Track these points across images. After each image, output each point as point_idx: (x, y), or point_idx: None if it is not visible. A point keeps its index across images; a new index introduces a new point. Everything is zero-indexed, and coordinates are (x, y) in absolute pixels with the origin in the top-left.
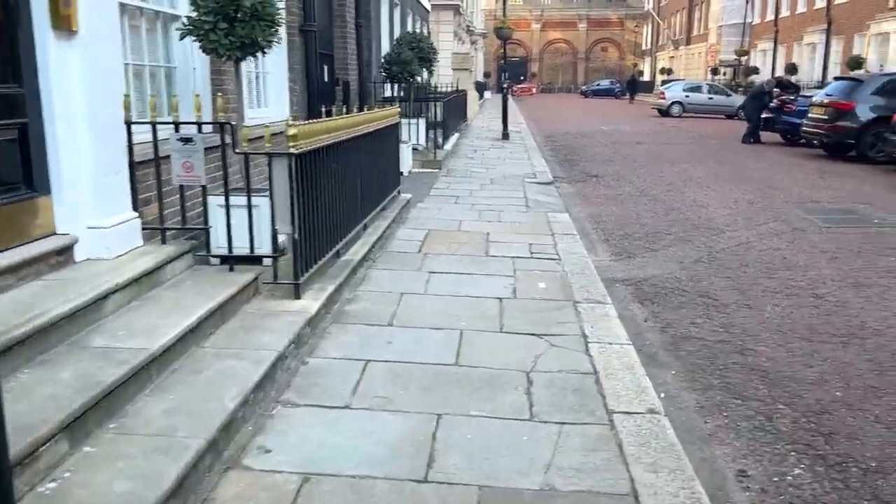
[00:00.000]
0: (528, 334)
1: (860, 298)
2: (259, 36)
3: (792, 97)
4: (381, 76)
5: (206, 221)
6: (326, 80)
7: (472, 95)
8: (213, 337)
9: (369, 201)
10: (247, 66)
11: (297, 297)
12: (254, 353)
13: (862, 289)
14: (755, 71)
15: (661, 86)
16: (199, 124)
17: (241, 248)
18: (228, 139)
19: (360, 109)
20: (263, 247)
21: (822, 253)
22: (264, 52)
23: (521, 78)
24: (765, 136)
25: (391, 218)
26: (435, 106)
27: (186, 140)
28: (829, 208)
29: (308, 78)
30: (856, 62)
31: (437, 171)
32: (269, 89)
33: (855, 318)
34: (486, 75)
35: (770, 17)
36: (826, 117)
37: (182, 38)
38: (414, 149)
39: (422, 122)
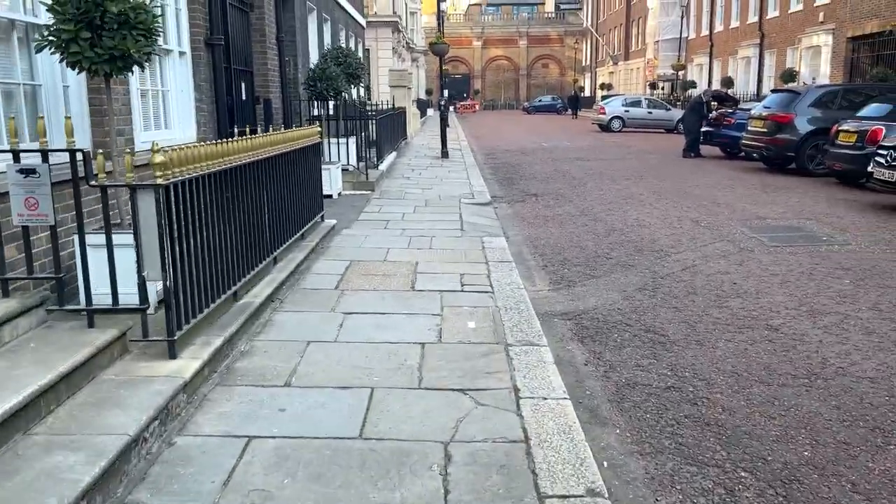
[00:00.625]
0: (452, 390)
1: (818, 329)
2: (131, 48)
3: (730, 110)
4: (304, 93)
5: (57, 269)
6: (245, 98)
7: (413, 113)
8: (51, 418)
9: (281, 231)
10: (140, 83)
11: (172, 356)
12: (97, 439)
13: (818, 318)
14: (692, 85)
15: (602, 101)
16: (45, 152)
17: (103, 298)
18: (109, 168)
19: (287, 128)
20: (131, 296)
21: (772, 276)
22: (142, 67)
23: (464, 95)
24: (704, 149)
25: (310, 248)
26: (370, 124)
27: (28, 172)
28: (775, 225)
29: (217, 96)
30: (789, 75)
31: (369, 192)
32: (172, 109)
33: (815, 353)
34: (429, 92)
35: (705, 32)
36: (765, 130)
37: (38, 50)
38: (344, 170)
39: (352, 141)
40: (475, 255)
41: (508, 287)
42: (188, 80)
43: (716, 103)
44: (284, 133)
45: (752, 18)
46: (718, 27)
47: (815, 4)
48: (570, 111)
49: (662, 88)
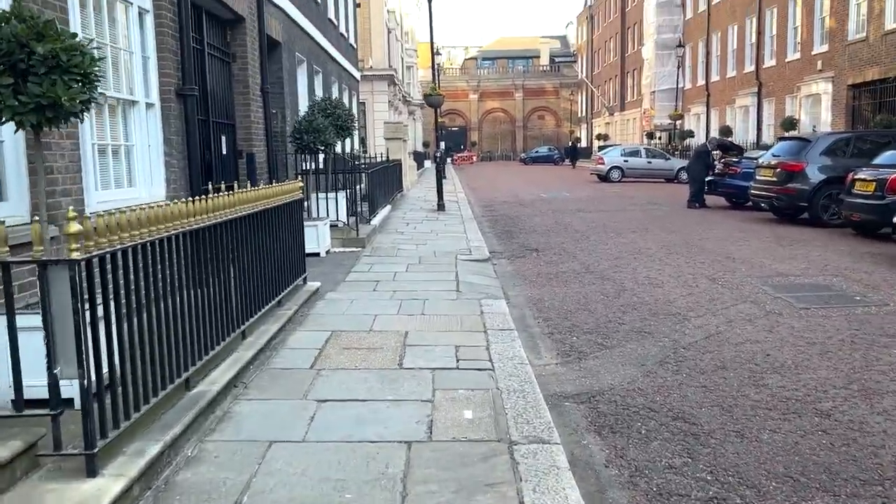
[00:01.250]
0: None
1: (878, 415)
2: (62, 95)
3: (735, 159)
4: (291, 146)
5: None
6: (226, 152)
7: (409, 165)
8: None
9: (253, 301)
10: (98, 137)
11: (92, 473)
12: None
13: (875, 399)
14: (690, 134)
15: (599, 151)
16: None
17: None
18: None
19: (270, 183)
20: (48, 396)
21: (809, 345)
22: (80, 118)
23: (461, 146)
24: (709, 199)
25: (286, 317)
26: (361, 178)
27: None
28: (800, 283)
29: (190, 150)
30: (790, 123)
31: (359, 249)
32: (137, 165)
33: (882, 448)
34: (426, 145)
35: (701, 81)
36: (775, 179)
37: None
38: (333, 226)
39: (342, 196)
40: (473, 322)
41: (511, 362)
42: (157, 134)
43: (719, 152)
44: (258, 190)
45: (749, 68)
46: (715, 77)
47: (812, 53)
48: (567, 161)
49: (660, 138)
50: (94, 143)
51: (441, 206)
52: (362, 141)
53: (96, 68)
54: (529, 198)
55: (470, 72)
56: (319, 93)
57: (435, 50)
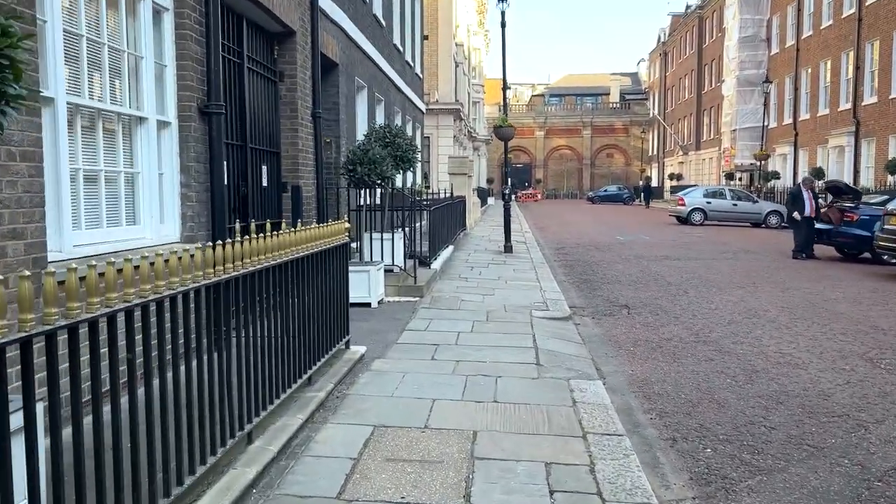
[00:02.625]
0: None
1: None
2: None
3: (850, 204)
4: (344, 180)
5: None
6: (266, 184)
7: (473, 202)
8: None
9: (268, 386)
10: (84, 160)
11: None
12: None
13: None
14: (776, 176)
15: (677, 192)
16: None
17: None
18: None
19: (322, 221)
20: None
21: None
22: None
23: (526, 184)
24: (816, 249)
25: (317, 401)
26: (422, 215)
27: None
28: None
29: (214, 180)
30: (894, 165)
31: (417, 299)
32: (143, 197)
33: None
34: (490, 181)
35: (788, 120)
36: None
37: None
38: (388, 271)
39: (399, 236)
40: (564, 418)
41: (628, 497)
42: (172, 159)
43: (829, 195)
44: (292, 234)
45: (845, 105)
46: (804, 115)
47: None
48: (638, 201)
49: (740, 179)
50: (77, 167)
51: (508, 248)
52: (425, 176)
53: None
54: (604, 240)
55: (536, 108)
56: (381, 123)
57: (505, 79)
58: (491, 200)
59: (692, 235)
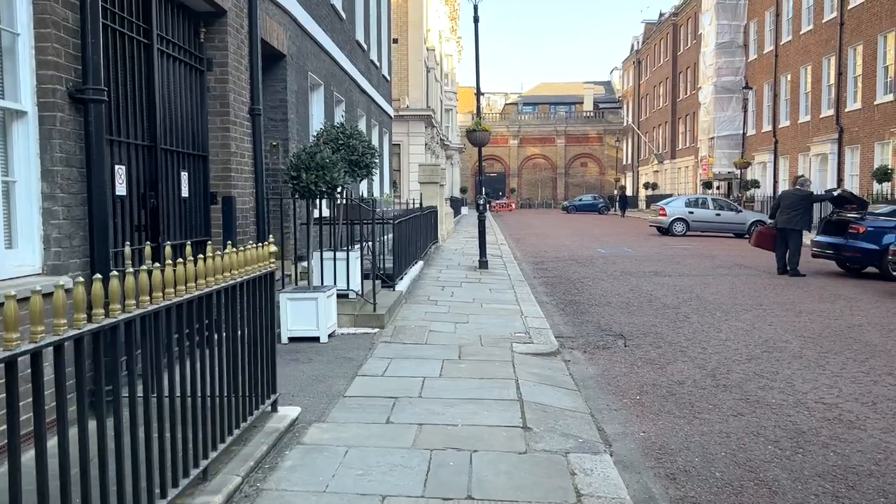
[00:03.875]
0: None
1: None
2: None
3: (857, 215)
4: (288, 188)
5: None
6: (187, 194)
7: (445, 212)
8: None
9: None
10: None
11: None
12: None
13: None
14: (755, 184)
15: (655, 202)
16: None
17: None
18: None
19: (262, 238)
20: None
21: None
22: None
23: (500, 193)
24: (816, 263)
25: None
26: (385, 229)
27: None
28: None
29: (92, 189)
30: (883, 173)
31: (376, 330)
32: None
33: None
34: (463, 190)
35: (767, 127)
36: None
37: None
38: (343, 296)
39: (354, 255)
40: None
41: None
42: (27, 162)
43: (831, 204)
44: (169, 271)
45: (827, 112)
46: (784, 122)
47: None
48: (613, 211)
49: (718, 188)
50: None
51: (484, 264)
52: (394, 185)
53: None
54: (585, 253)
55: (510, 117)
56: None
57: (478, 76)
58: (465, 210)
59: (677, 248)
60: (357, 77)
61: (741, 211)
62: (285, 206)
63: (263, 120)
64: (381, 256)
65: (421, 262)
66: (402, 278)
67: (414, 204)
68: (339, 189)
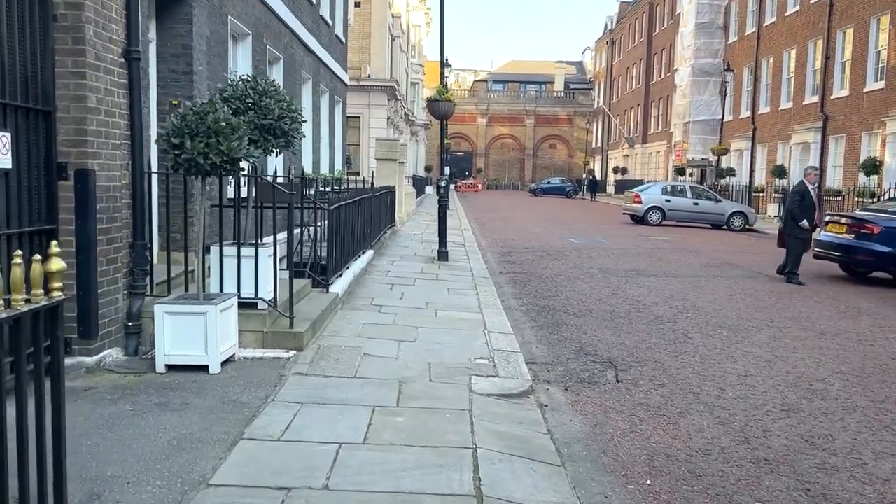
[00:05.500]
0: None
1: None
2: None
3: (870, 213)
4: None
5: None
6: (11, 165)
7: (406, 192)
8: None
9: None
10: None
11: None
12: None
13: None
14: (731, 172)
15: (627, 187)
16: None
17: None
18: None
19: (139, 228)
20: None
21: None
22: None
23: (466, 173)
24: (819, 266)
25: None
26: (317, 216)
27: None
28: None
29: None
30: (871, 165)
31: (291, 354)
32: None
33: None
34: (428, 169)
35: (746, 113)
36: None
37: None
38: (248, 305)
39: (266, 252)
40: None
41: None
42: None
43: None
44: None
45: (811, 98)
46: (764, 108)
47: None
48: (582, 195)
49: (692, 174)
50: None
51: (443, 255)
52: (348, 161)
53: None
54: (557, 243)
55: (479, 94)
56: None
57: (442, 45)
58: (429, 189)
59: (656, 240)
60: (301, 33)
61: (721, 201)
62: (194, 186)
63: (161, 71)
64: (320, 244)
65: (371, 252)
66: (340, 275)
67: (364, 184)
68: (236, 163)
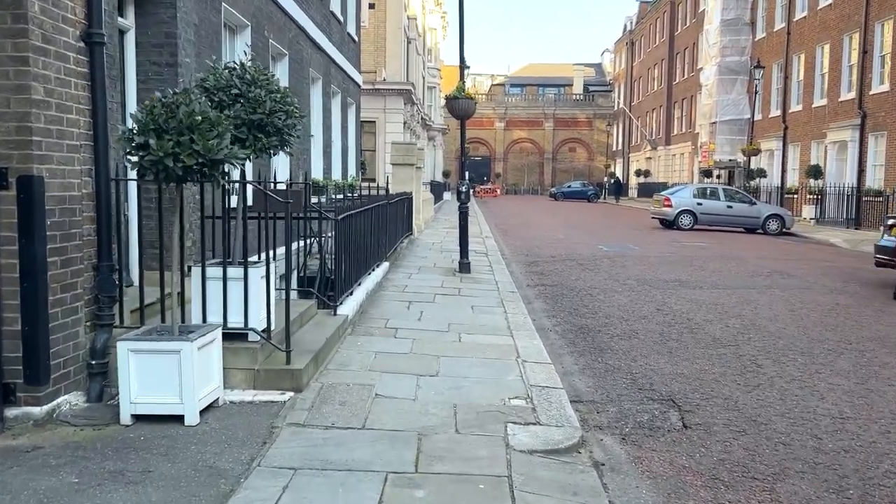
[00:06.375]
0: None
1: None
2: None
3: None
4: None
5: None
6: None
7: (423, 199)
8: None
9: None
10: None
11: None
12: None
13: None
14: (761, 174)
15: (654, 190)
16: None
17: None
18: None
19: (105, 246)
20: None
21: None
22: None
23: (485, 178)
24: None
25: None
26: (322, 227)
27: None
28: None
29: None
30: None
31: (288, 397)
32: None
33: None
34: (446, 174)
35: (775, 111)
36: None
37: None
38: (236, 336)
39: (258, 272)
40: None
41: None
42: None
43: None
44: None
45: (847, 95)
46: (795, 106)
47: None
48: (605, 198)
49: (719, 176)
50: None
51: (465, 267)
52: (363, 167)
53: None
54: (585, 251)
55: (497, 98)
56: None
57: (462, 38)
58: (447, 196)
59: (691, 245)
60: (309, 28)
61: (755, 203)
62: (172, 193)
63: (141, 63)
64: (328, 259)
65: (386, 264)
66: (350, 294)
67: (377, 191)
68: (219, 167)
